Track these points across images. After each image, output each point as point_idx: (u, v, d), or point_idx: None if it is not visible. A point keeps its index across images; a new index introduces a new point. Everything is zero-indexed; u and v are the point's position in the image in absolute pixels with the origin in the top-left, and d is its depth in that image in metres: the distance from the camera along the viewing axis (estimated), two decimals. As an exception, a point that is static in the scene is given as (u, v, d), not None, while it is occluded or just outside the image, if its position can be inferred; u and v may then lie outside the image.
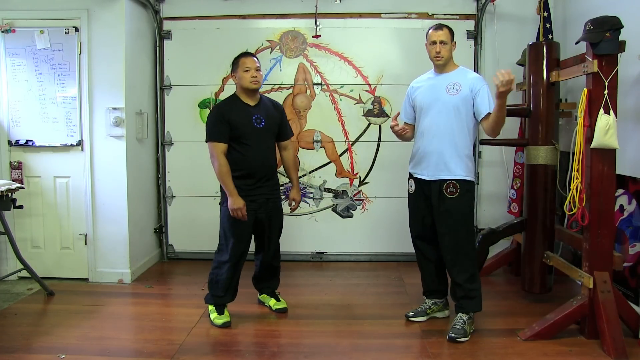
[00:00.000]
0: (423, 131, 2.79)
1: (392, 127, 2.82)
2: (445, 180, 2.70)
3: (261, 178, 2.89)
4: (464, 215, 2.74)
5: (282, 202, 3.11)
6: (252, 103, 2.90)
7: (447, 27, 2.76)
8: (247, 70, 2.82)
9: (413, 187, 2.87)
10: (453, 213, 2.71)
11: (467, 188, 2.73)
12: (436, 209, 2.75)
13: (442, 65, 2.76)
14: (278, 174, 3.07)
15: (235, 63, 2.88)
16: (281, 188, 3.27)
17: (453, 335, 2.67)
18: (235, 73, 2.88)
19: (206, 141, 2.84)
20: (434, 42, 2.73)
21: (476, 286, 2.76)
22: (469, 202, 2.78)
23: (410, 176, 2.90)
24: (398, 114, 2.87)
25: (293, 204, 3.09)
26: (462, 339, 2.67)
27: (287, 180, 4.06)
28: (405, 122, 2.93)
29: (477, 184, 4.08)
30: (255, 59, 2.89)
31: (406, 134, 2.91)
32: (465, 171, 2.71)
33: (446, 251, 2.77)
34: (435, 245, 2.86)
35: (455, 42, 2.78)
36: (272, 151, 2.98)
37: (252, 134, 2.84)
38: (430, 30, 2.77)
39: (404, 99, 2.98)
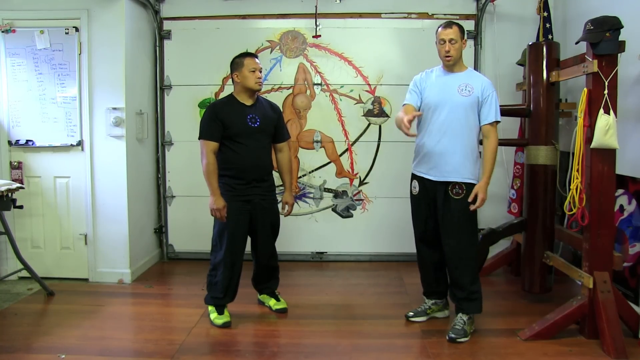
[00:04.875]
0: (431, 130, 2.72)
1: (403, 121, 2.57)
2: (452, 182, 2.69)
3: (255, 178, 2.89)
4: (468, 217, 2.72)
5: (278, 204, 3.10)
6: (248, 103, 2.91)
7: (457, 24, 2.70)
8: (253, 71, 2.84)
9: (417, 189, 2.83)
10: (458, 214, 2.70)
11: (472, 190, 2.72)
12: (441, 210, 2.74)
13: (452, 64, 2.72)
14: (275, 176, 3.07)
15: (239, 63, 2.87)
16: (278, 189, 3.27)
17: (453, 335, 2.67)
18: (238, 73, 2.87)
19: (198, 138, 2.86)
20: (443, 41, 2.67)
21: (477, 288, 2.76)
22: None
23: (414, 177, 2.86)
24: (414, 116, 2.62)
25: (287, 207, 3.08)
26: (462, 339, 2.67)
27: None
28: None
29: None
30: (258, 60, 2.91)
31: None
32: (472, 173, 2.71)
33: (450, 253, 2.76)
34: (437, 248, 2.85)
35: (465, 40, 2.74)
36: (267, 151, 2.98)
37: (246, 133, 2.85)
38: (440, 29, 2.71)
39: (404, 95, 2.90)
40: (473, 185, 2.71)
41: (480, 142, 2.81)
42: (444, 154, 2.69)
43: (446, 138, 2.69)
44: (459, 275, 2.74)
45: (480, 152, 2.77)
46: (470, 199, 2.64)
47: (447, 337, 2.68)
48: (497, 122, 2.72)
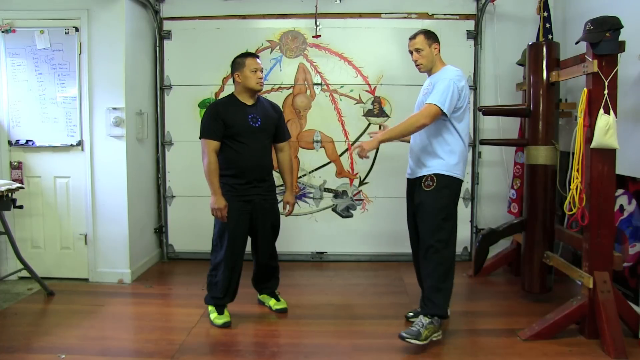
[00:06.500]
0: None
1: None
2: (424, 176, 2.68)
3: (256, 177, 2.89)
4: (437, 209, 2.62)
5: (279, 204, 3.11)
6: (249, 102, 2.91)
7: (424, 32, 2.72)
8: (254, 71, 2.85)
9: (406, 186, 2.90)
10: (426, 205, 2.64)
11: (446, 183, 2.63)
12: (416, 202, 2.72)
13: (426, 71, 2.76)
14: (275, 176, 3.08)
15: (240, 63, 2.87)
16: (279, 189, 3.27)
17: (403, 334, 2.54)
18: (239, 73, 2.87)
19: (199, 138, 2.86)
20: (411, 52, 2.74)
21: (444, 287, 2.62)
22: (447, 198, 2.65)
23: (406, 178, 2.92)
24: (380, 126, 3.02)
25: (287, 207, 3.09)
26: (412, 341, 2.52)
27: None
28: None
29: (477, 183, 4.08)
30: (259, 60, 2.91)
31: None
32: (442, 166, 2.64)
33: (421, 243, 2.69)
34: None
35: (437, 44, 2.71)
36: (268, 151, 2.98)
37: (247, 132, 2.85)
38: (408, 40, 2.77)
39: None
40: (446, 177, 2.63)
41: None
42: (414, 153, 2.76)
43: (416, 139, 2.75)
44: (425, 270, 2.66)
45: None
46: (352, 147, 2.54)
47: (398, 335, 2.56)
48: (436, 106, 2.53)
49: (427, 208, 2.65)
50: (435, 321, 2.61)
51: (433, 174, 2.65)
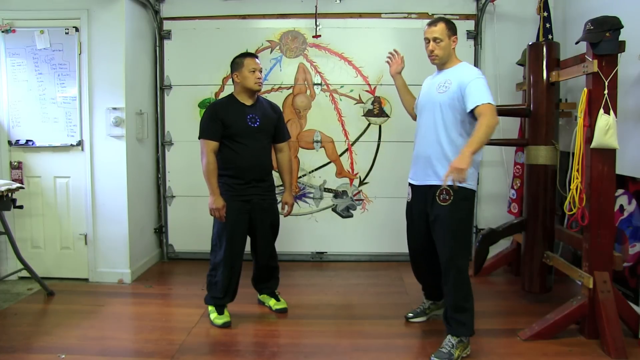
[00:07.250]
0: (417, 133, 2.65)
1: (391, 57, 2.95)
2: (438, 186, 2.47)
3: (254, 177, 2.89)
4: (456, 226, 2.47)
5: (278, 204, 3.10)
6: (248, 103, 2.91)
7: (445, 20, 2.53)
8: (253, 71, 2.85)
9: (410, 196, 2.71)
10: (445, 222, 2.47)
11: (463, 196, 2.47)
12: (431, 217, 2.54)
13: (440, 64, 2.58)
14: (275, 176, 3.08)
15: (239, 63, 2.88)
16: (278, 189, 3.27)
17: (435, 358, 2.45)
18: (238, 73, 2.88)
19: (198, 138, 2.86)
20: (428, 40, 2.53)
21: (469, 306, 2.50)
22: (465, 212, 2.51)
23: (408, 183, 2.73)
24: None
25: (286, 207, 3.08)
26: None
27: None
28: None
29: (477, 183, 4.07)
30: (258, 60, 2.90)
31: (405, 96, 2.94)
32: None
33: (441, 264, 2.54)
34: (433, 259, 2.64)
35: (455, 37, 2.55)
36: (267, 151, 2.98)
37: (245, 132, 2.85)
38: (425, 26, 2.57)
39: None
40: (463, 189, 2.44)
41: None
42: (423, 157, 2.56)
43: (425, 140, 2.56)
44: (449, 290, 2.51)
45: (476, 156, 2.59)
46: (444, 177, 2.28)
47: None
48: (491, 104, 2.37)
49: (446, 224, 2.47)
50: (464, 338, 2.51)
51: (448, 185, 2.39)
